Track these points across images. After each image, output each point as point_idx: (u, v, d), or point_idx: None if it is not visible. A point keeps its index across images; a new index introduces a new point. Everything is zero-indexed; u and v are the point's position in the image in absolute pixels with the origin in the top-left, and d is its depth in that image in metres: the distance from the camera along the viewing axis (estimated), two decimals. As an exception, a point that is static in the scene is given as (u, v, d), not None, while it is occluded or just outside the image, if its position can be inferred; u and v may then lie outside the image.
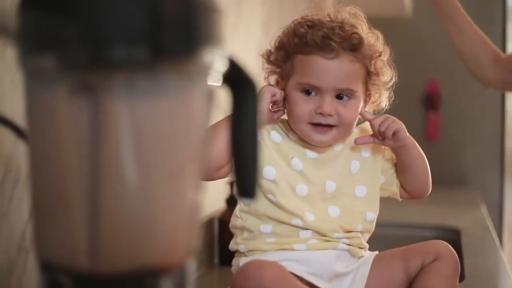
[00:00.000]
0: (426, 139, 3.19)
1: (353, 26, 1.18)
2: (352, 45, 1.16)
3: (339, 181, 1.21)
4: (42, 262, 0.64)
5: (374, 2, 2.79)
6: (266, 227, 1.18)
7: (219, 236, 1.65)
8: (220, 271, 1.62)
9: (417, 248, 1.21)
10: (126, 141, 0.60)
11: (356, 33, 1.17)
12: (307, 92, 1.17)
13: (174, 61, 0.60)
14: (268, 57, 1.23)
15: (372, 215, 1.22)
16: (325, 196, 1.20)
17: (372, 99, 1.24)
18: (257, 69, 1.26)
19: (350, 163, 1.23)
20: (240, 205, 1.21)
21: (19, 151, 0.92)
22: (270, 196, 1.18)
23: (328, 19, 1.18)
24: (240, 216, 1.20)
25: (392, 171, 1.25)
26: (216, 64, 0.64)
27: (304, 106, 1.17)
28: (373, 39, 1.20)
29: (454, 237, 1.90)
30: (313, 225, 1.17)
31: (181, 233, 0.65)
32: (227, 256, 1.32)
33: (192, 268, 0.67)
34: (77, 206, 0.61)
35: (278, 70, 1.23)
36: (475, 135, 3.20)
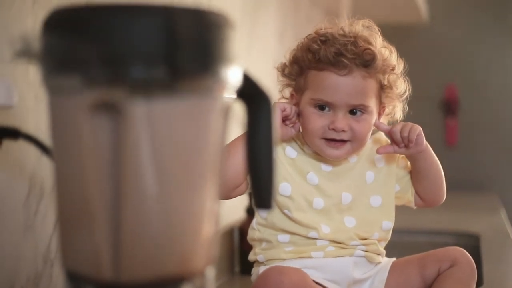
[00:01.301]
0: (445, 145, 3.20)
1: (366, 40, 1.18)
2: (365, 61, 1.16)
3: (355, 192, 1.22)
4: (68, 273, 0.67)
5: (391, 10, 2.81)
6: (284, 237, 1.20)
7: (239, 245, 1.67)
8: (241, 280, 1.64)
9: (434, 254, 1.23)
10: (146, 155, 0.63)
11: (369, 48, 1.17)
12: (321, 108, 1.18)
13: (190, 79, 0.63)
14: (283, 71, 1.24)
15: (388, 223, 1.24)
16: (341, 208, 1.21)
17: (386, 111, 1.25)
18: (272, 81, 1.28)
19: (365, 174, 1.24)
20: (257, 218, 1.22)
21: (43, 166, 0.95)
22: (286, 211, 1.19)
23: (341, 32, 1.19)
24: (258, 229, 1.22)
25: (407, 179, 1.26)
26: (231, 80, 0.67)
27: (317, 121, 1.18)
28: (387, 53, 1.21)
29: (473, 243, 1.91)
30: (329, 237, 1.19)
31: (200, 242, 0.67)
32: (247, 265, 1.34)
33: (211, 276, 0.69)
34: (100, 219, 0.63)
35: (292, 83, 1.24)
36: (494, 140, 3.19)
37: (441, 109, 3.25)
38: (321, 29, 1.21)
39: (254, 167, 0.74)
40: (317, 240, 1.19)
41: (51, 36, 0.63)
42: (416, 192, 1.26)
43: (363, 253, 1.21)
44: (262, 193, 0.75)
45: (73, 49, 0.62)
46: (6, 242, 0.90)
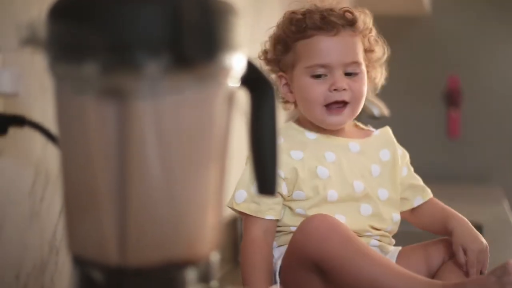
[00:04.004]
0: (448, 136, 3.19)
1: (343, 7, 1.23)
2: (348, 20, 1.21)
3: (364, 181, 1.22)
4: (74, 258, 0.68)
5: (393, 1, 2.81)
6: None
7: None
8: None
9: (439, 243, 1.23)
10: (151, 141, 0.63)
11: (348, 10, 1.22)
12: (317, 76, 1.19)
13: (195, 66, 0.63)
14: (266, 57, 1.26)
15: (397, 216, 1.25)
16: (356, 196, 1.21)
17: (371, 76, 1.27)
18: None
19: (371, 166, 1.24)
20: None
21: (49, 154, 0.96)
22: (299, 210, 1.18)
23: (315, 7, 1.23)
24: None
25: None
26: (236, 67, 0.67)
27: (317, 88, 1.19)
28: (363, 15, 1.24)
29: (476, 233, 1.91)
30: None
31: (205, 228, 0.68)
32: (250, 254, 1.34)
33: (216, 261, 0.70)
34: (106, 204, 0.64)
35: (276, 68, 1.25)
36: (497, 131, 3.19)
37: (444, 101, 3.24)
38: (295, 10, 1.24)
39: (257, 154, 0.75)
40: None
41: (57, 23, 0.64)
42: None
43: (377, 242, 1.21)
44: (265, 179, 0.75)
45: (80, 36, 0.62)
46: (12, 230, 0.90)
